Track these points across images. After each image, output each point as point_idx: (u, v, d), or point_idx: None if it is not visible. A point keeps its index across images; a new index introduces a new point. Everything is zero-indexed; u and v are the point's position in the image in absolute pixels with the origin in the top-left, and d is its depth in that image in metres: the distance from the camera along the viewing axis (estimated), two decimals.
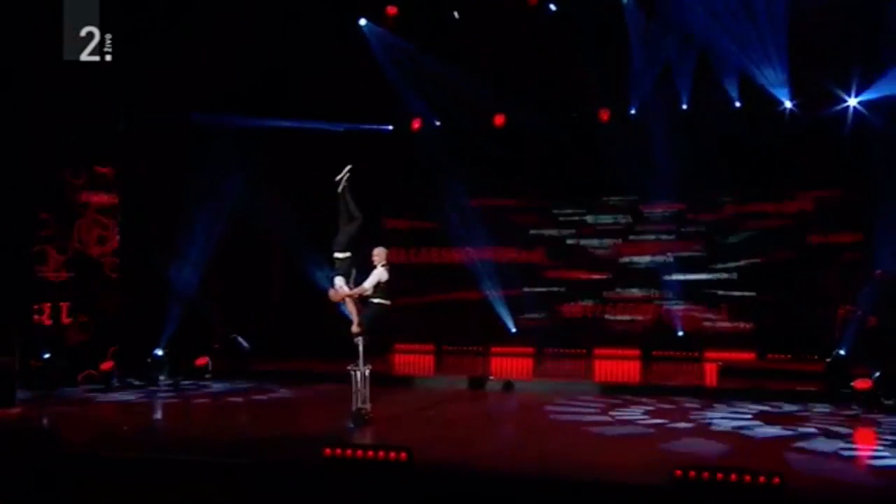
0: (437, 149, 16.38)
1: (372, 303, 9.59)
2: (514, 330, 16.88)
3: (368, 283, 9.45)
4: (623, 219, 16.87)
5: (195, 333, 15.01)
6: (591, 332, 16.53)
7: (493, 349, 16.40)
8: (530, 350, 16.31)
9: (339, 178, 9.43)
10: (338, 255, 9.49)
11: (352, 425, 9.40)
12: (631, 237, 16.80)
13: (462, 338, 16.56)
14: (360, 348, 9.50)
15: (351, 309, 9.56)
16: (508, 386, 12.83)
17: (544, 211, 17.16)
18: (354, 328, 9.52)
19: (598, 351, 16.06)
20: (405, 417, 10.40)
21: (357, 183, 9.54)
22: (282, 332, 16.42)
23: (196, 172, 14.77)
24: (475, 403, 11.89)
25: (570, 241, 17.08)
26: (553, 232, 17.14)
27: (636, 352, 15.87)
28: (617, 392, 12.27)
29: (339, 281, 9.46)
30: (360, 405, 9.52)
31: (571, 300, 16.96)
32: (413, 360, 15.94)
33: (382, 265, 9.53)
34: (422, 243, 17.43)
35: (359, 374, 9.51)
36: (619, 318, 16.73)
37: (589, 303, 16.87)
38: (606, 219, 16.95)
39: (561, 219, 17.17)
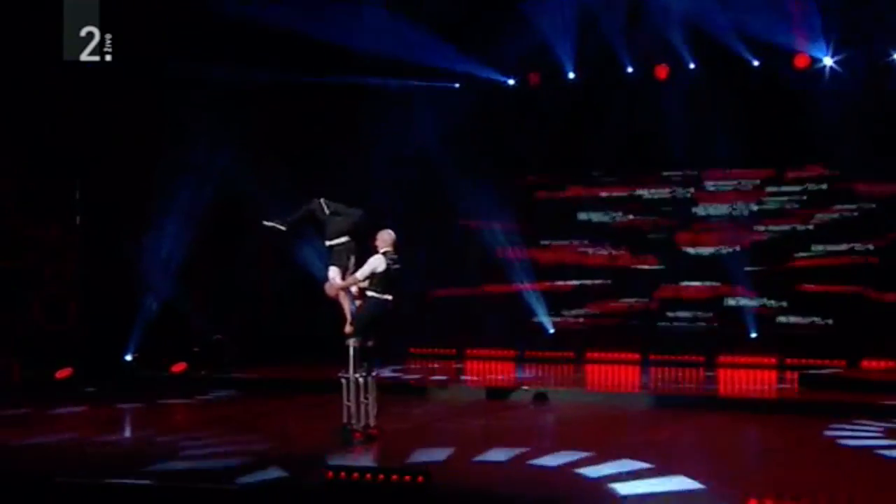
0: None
1: (367, 297, 9.16)
2: (551, 331, 16.64)
3: (361, 273, 8.98)
4: (683, 197, 16.41)
5: (171, 335, 14.88)
6: (644, 333, 16.19)
7: (527, 353, 16.17)
8: (570, 354, 16.05)
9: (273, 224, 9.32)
10: (331, 242, 9.16)
11: (344, 444, 9.06)
12: (693, 218, 16.42)
13: (490, 340, 16.46)
14: (351, 352, 9.11)
15: (344, 305, 9.20)
16: (541, 397, 12.29)
17: (584, 184, 16.91)
18: (346, 328, 9.16)
19: (652, 356, 15.66)
20: (408, 434, 9.99)
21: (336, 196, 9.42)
22: (275, 333, 16.27)
23: (172, 141, 14.52)
24: (492, 417, 11.40)
25: (618, 224, 16.76)
26: (599, 215, 16.84)
27: (700, 357, 15.43)
28: (673, 405, 11.71)
29: (332, 272, 9.12)
30: (349, 420, 9.12)
31: (620, 295, 16.63)
32: (431, 367, 15.51)
33: (383, 251, 9.05)
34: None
35: (350, 382, 9.10)
36: (678, 315, 16.30)
37: (641, 299, 16.55)
38: (662, 196, 16.54)
39: (605, 196, 16.87)
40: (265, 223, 9.32)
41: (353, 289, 9.20)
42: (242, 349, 15.38)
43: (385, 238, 9.15)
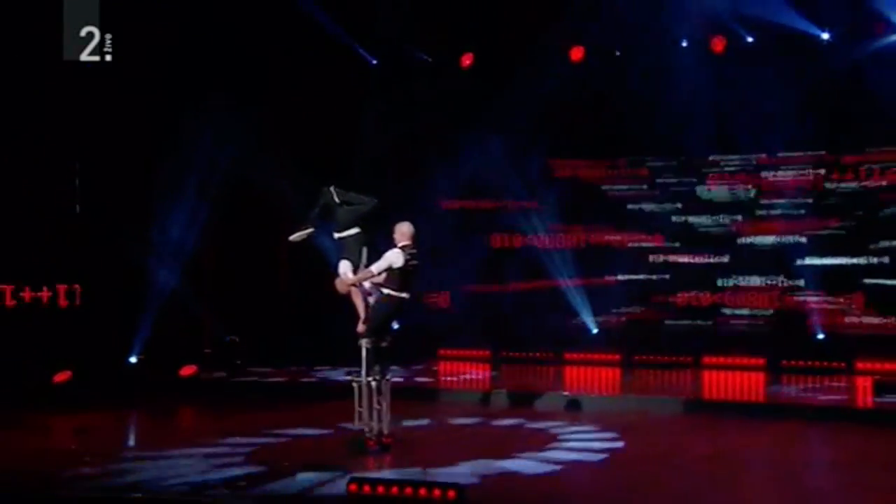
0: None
1: (382, 294, 9.05)
2: (595, 330, 16.49)
3: (376, 267, 8.85)
4: (743, 186, 16.19)
5: (180, 335, 14.93)
6: (699, 333, 16.06)
7: (567, 356, 16.01)
8: (616, 357, 15.83)
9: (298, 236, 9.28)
10: (340, 234, 9.10)
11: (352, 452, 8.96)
12: (755, 206, 16.20)
13: (527, 341, 16.27)
14: (364, 353, 9.05)
15: (356, 302, 9.12)
16: (574, 404, 12.03)
17: (633, 168, 16.71)
18: (359, 327, 9.06)
19: (707, 359, 15.39)
20: (428, 443, 9.84)
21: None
22: (292, 333, 16.29)
23: (180, 126, 14.57)
24: (523, 426, 10.95)
25: (674, 217, 16.58)
26: (650, 204, 16.66)
27: (759, 360, 15.11)
28: (732, 412, 11.55)
29: (343, 266, 9.01)
30: (360, 427, 9.02)
31: (673, 291, 16.48)
32: (461, 370, 15.47)
33: (402, 245, 8.93)
34: (477, 220, 17.31)
35: (362, 387, 9.02)
36: (736, 314, 16.12)
37: (696, 294, 16.36)
38: (720, 183, 16.31)
39: (659, 183, 16.60)
40: (292, 238, 9.24)
41: (367, 284, 9.05)
42: (258, 351, 15.39)
43: (404, 231, 9.02)
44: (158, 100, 14.58)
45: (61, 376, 13.32)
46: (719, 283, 16.19)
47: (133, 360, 14.39)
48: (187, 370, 14.22)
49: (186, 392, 13.47)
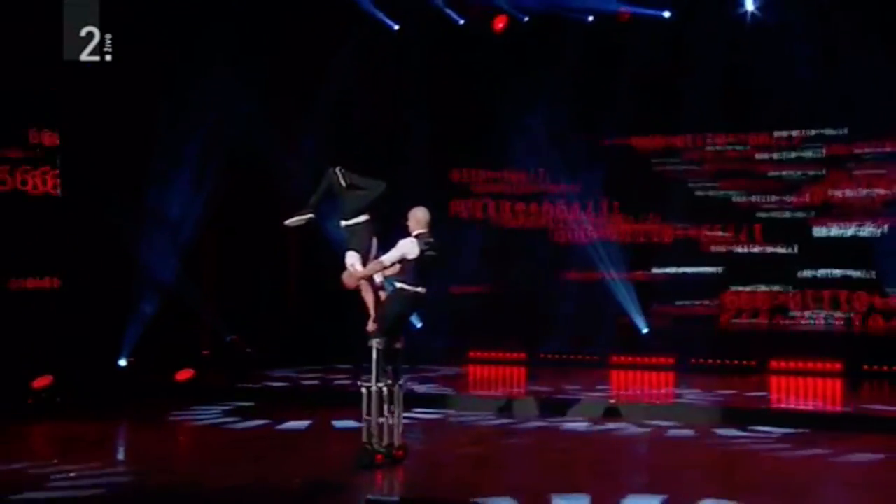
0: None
1: (395, 288, 9.03)
2: (645, 330, 16.09)
3: (388, 257, 8.77)
4: (820, 162, 15.76)
5: (176, 336, 14.93)
6: (766, 334, 15.70)
7: (614, 359, 15.92)
8: (669, 360, 15.66)
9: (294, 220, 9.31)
10: (347, 222, 9.03)
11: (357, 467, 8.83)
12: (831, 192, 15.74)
13: (567, 342, 16.02)
14: (374, 355, 8.92)
15: (366, 297, 9.05)
16: (612, 412, 11.86)
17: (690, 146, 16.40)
18: (369, 326, 8.99)
19: (775, 363, 15.19)
20: (445, 458, 9.80)
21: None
22: (302, 333, 16.26)
23: (177, 95, 14.48)
24: (554, 440, 10.76)
25: (736, 199, 16.16)
26: (707, 188, 16.26)
27: (837, 365, 14.88)
28: (805, 425, 11.09)
29: (351, 257, 8.93)
30: (369, 439, 8.88)
31: (736, 286, 16.01)
32: (493, 375, 15.53)
33: (417, 234, 8.86)
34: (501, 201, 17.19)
35: (372, 392, 8.91)
36: (809, 311, 15.71)
37: (763, 289, 15.92)
38: (792, 160, 15.90)
39: (717, 161, 16.28)
40: (288, 223, 9.25)
41: (378, 277, 9.02)
42: (263, 352, 15.45)
43: (419, 217, 8.94)
44: (152, 65, 14.45)
45: (41, 381, 13.07)
46: (788, 275, 15.77)
47: (122, 362, 14.33)
48: (184, 374, 14.02)
49: (183, 398, 13.14)
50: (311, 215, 9.11)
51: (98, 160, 14.03)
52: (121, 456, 10.48)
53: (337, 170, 9.05)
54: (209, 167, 14.92)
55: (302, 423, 11.29)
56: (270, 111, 15.13)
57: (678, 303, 16.06)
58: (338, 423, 11.13)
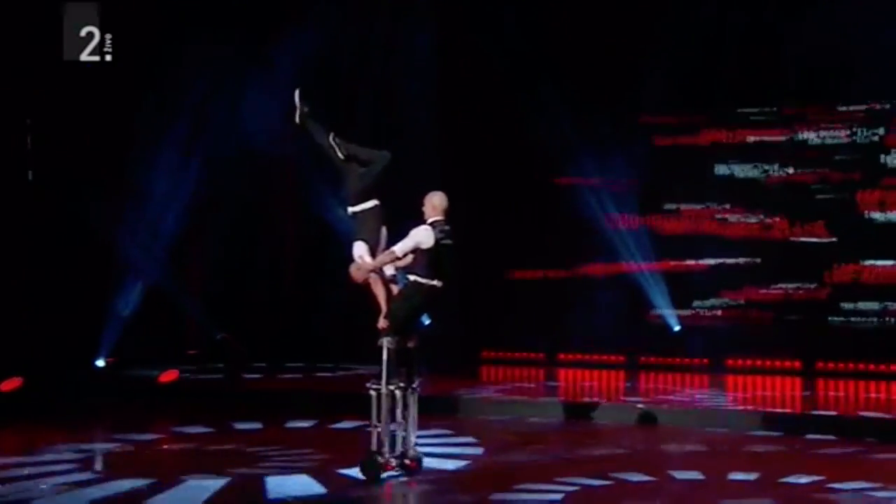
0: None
1: (408, 281, 8.89)
2: (676, 328, 15.86)
3: (400, 247, 8.60)
4: (868, 141, 15.47)
5: (160, 333, 15.12)
6: (809, 331, 15.44)
7: (642, 359, 15.79)
8: (703, 361, 15.48)
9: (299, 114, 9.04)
10: (354, 208, 8.83)
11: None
12: (882, 170, 15.48)
13: (589, 341, 15.79)
14: (385, 355, 8.74)
15: (376, 292, 8.85)
16: (647, 418, 11.73)
17: (724, 126, 16.14)
18: (380, 322, 8.79)
19: (820, 364, 14.99)
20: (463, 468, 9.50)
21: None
22: (300, 330, 16.19)
23: (161, 67, 14.68)
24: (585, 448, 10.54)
25: (773, 180, 15.95)
26: (746, 168, 16.00)
27: (892, 365, 14.64)
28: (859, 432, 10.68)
29: (358, 248, 8.75)
30: (378, 447, 8.68)
31: (775, 279, 15.74)
32: (509, 376, 15.35)
33: (432, 221, 8.69)
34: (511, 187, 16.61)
35: (382, 396, 8.74)
36: (858, 307, 15.40)
37: (805, 284, 15.68)
38: (837, 141, 15.64)
39: (755, 141, 15.93)
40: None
41: (389, 270, 8.79)
42: (255, 351, 15.37)
43: (435, 203, 8.76)
44: (134, 35, 14.20)
45: (10, 384, 12.99)
46: (834, 267, 15.55)
47: (100, 363, 14.39)
48: (168, 375, 13.87)
49: (166, 402, 13.04)
50: (307, 108, 8.91)
51: (72, 140, 13.98)
52: None
53: (332, 138, 8.89)
54: (196, 147, 14.94)
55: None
56: (263, 83, 14.84)
57: (712, 298, 15.83)
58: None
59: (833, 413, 12.09)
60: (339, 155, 8.90)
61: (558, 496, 8.00)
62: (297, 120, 9.08)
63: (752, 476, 8.93)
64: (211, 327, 15.24)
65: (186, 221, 15.21)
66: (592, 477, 8.98)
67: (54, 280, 13.97)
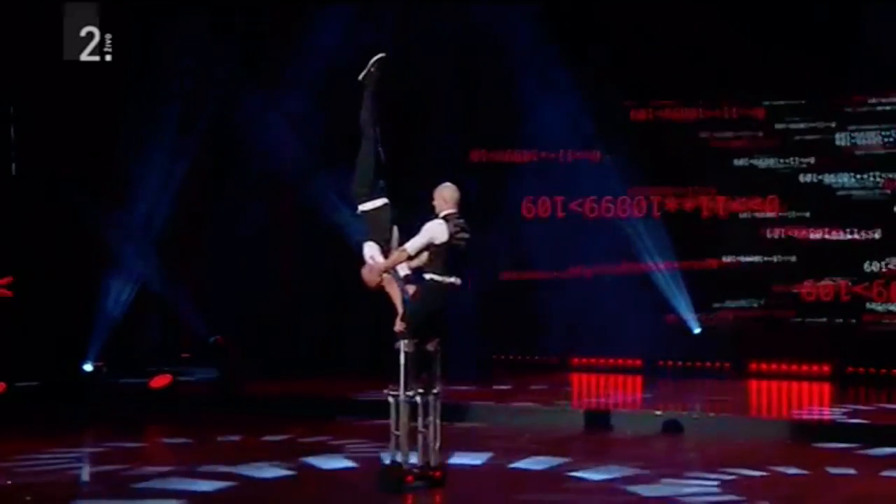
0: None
1: (423, 280, 8.87)
2: (697, 330, 15.75)
3: (412, 245, 8.60)
4: None
5: (151, 336, 15.37)
6: (841, 334, 15.39)
7: (660, 363, 15.77)
8: (725, 365, 15.53)
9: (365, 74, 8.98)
10: (363, 206, 8.89)
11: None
12: None
13: (602, 343, 15.87)
14: (402, 359, 8.74)
15: (392, 293, 8.90)
16: (673, 426, 11.71)
17: (755, 123, 15.94)
18: (396, 325, 8.83)
19: (851, 369, 14.96)
20: (486, 479, 9.51)
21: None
22: (301, 333, 16.21)
23: (151, 52, 14.83)
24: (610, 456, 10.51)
25: (804, 178, 15.79)
26: (773, 162, 15.85)
27: None
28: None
29: (369, 249, 8.79)
30: (398, 457, 8.73)
31: (804, 277, 15.62)
32: (520, 380, 15.07)
33: (445, 215, 8.63)
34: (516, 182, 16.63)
35: (400, 403, 8.77)
36: (890, 308, 15.25)
37: (837, 281, 15.52)
38: (870, 137, 15.44)
39: (783, 135, 15.84)
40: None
41: (403, 269, 8.79)
42: (252, 355, 15.20)
43: (446, 196, 8.70)
44: (121, 18, 13.82)
45: None
46: (867, 267, 15.37)
47: (88, 367, 14.30)
48: (160, 380, 13.70)
49: (158, 408, 13.00)
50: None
51: (58, 131, 13.95)
52: None
53: (372, 124, 8.76)
54: (189, 139, 14.90)
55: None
56: (259, 71, 15.04)
57: (736, 298, 15.72)
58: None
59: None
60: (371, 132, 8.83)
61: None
62: (360, 77, 8.94)
63: None
64: (205, 329, 15.08)
65: (179, 218, 15.12)
66: None
67: (40, 279, 13.46)
